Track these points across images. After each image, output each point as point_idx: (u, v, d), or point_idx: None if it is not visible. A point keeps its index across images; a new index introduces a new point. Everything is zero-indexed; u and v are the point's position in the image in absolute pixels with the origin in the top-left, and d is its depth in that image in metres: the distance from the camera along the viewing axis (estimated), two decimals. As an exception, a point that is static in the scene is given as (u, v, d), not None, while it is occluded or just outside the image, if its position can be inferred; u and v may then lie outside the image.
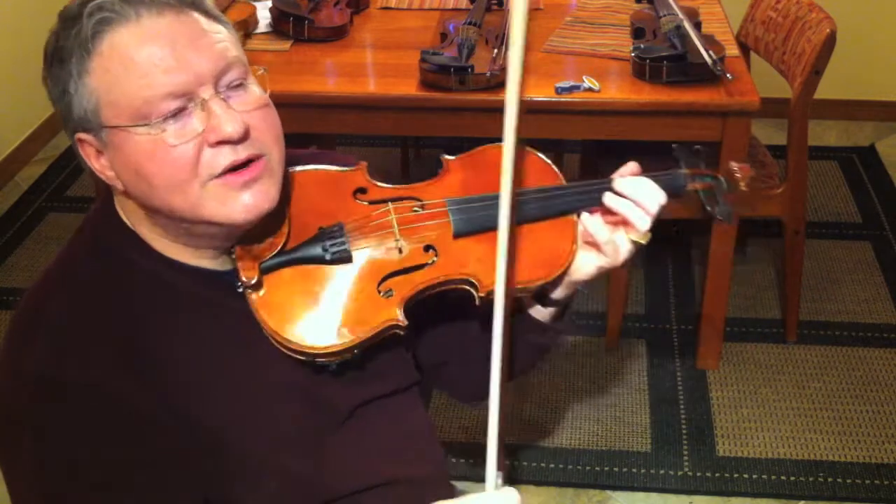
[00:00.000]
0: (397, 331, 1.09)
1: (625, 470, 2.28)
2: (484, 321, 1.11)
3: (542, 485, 2.25)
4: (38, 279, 1.06)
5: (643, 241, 1.16)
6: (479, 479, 2.40)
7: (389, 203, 1.14)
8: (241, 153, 0.98)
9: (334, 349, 1.06)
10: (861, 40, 3.44)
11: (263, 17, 2.52)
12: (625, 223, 1.17)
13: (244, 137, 0.98)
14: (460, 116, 2.22)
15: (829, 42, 2.23)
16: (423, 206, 1.15)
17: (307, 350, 1.05)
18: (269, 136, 1.02)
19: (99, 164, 1.00)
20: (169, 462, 1.02)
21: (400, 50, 2.39)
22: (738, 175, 1.23)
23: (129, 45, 0.94)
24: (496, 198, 1.12)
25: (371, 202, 1.15)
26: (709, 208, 1.21)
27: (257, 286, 1.06)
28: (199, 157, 0.97)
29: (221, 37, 0.99)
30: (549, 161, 1.23)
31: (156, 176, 0.97)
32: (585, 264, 1.18)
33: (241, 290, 1.06)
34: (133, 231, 1.06)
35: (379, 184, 1.17)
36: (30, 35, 3.49)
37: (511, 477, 2.27)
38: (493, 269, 1.10)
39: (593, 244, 1.17)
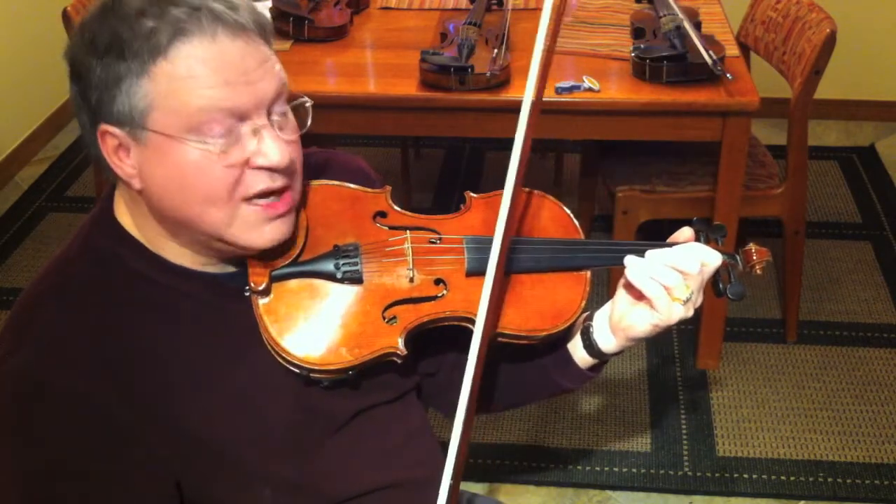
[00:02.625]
0: (395, 358, 1.08)
1: (625, 470, 2.28)
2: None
3: (542, 485, 2.25)
4: (32, 282, 1.06)
5: (685, 297, 1.13)
6: (479, 478, 2.40)
7: (408, 231, 1.15)
8: (278, 181, 1.02)
9: (329, 367, 1.06)
10: (861, 40, 3.44)
11: (263, 17, 2.51)
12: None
13: (288, 168, 1.02)
14: (460, 116, 2.23)
15: (829, 42, 2.23)
16: (440, 240, 1.15)
17: (302, 363, 1.05)
18: (298, 168, 1.06)
19: (118, 159, 0.99)
20: (147, 470, 1.02)
21: (400, 50, 2.39)
22: (755, 257, 1.22)
23: (201, 58, 0.95)
24: (514, 242, 1.15)
25: (390, 227, 1.15)
26: (721, 286, 1.19)
27: (265, 293, 1.07)
28: (240, 178, 0.99)
29: (279, 65, 1.02)
30: (571, 214, 1.23)
31: (195, 188, 0.98)
32: (639, 321, 1.15)
33: (248, 294, 1.07)
34: (131, 235, 1.06)
35: (400, 210, 1.18)
36: (30, 36, 3.50)
37: (511, 477, 2.27)
38: (500, 312, 1.11)
39: (645, 299, 1.14)
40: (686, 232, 1.19)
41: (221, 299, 1.07)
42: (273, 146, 0.99)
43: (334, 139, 3.21)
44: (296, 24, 2.41)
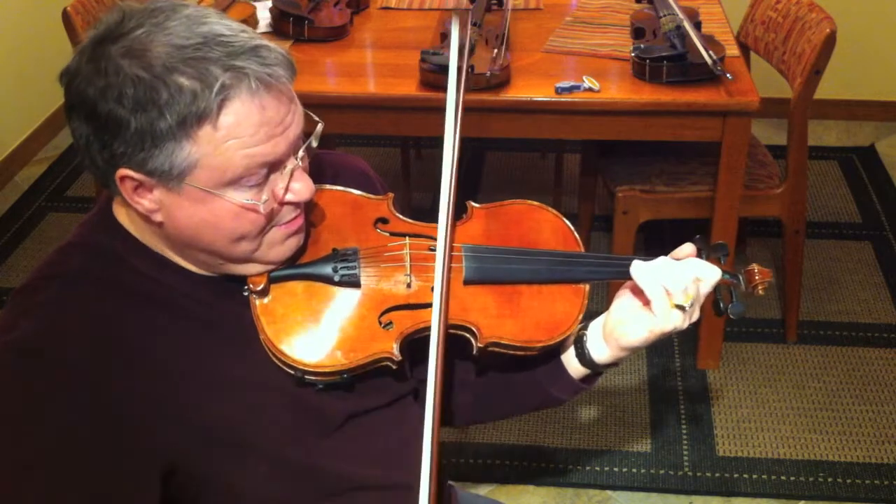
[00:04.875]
0: (389, 364, 1.09)
1: (625, 470, 2.28)
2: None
3: (542, 485, 2.25)
4: (30, 273, 1.06)
5: (685, 304, 1.14)
6: (479, 478, 2.40)
7: (407, 238, 1.15)
8: (300, 206, 1.06)
9: (323, 369, 1.06)
10: (861, 40, 3.44)
11: (263, 17, 2.52)
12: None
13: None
14: (460, 116, 2.22)
15: (829, 42, 2.23)
16: None
17: (297, 365, 1.06)
18: None
19: (137, 196, 0.99)
20: (136, 445, 1.00)
21: (400, 50, 2.39)
22: (757, 278, 1.23)
23: (245, 120, 0.95)
24: (513, 252, 1.16)
25: (391, 234, 1.16)
26: (722, 304, 1.20)
27: (263, 293, 1.07)
28: (272, 213, 1.03)
29: (298, 103, 1.03)
30: (571, 227, 1.23)
31: (231, 230, 1.01)
32: (634, 328, 1.16)
33: (246, 294, 1.07)
34: (130, 234, 1.06)
35: (402, 217, 1.18)
36: (30, 36, 3.50)
37: (511, 477, 2.27)
38: (496, 322, 1.12)
39: (643, 307, 1.16)
40: (687, 248, 1.20)
41: (219, 297, 1.08)
42: (302, 184, 1.03)
43: (334, 139, 3.21)
44: (296, 24, 2.41)
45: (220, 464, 1.07)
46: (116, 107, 0.93)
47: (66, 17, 2.40)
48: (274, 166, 1.00)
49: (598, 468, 2.28)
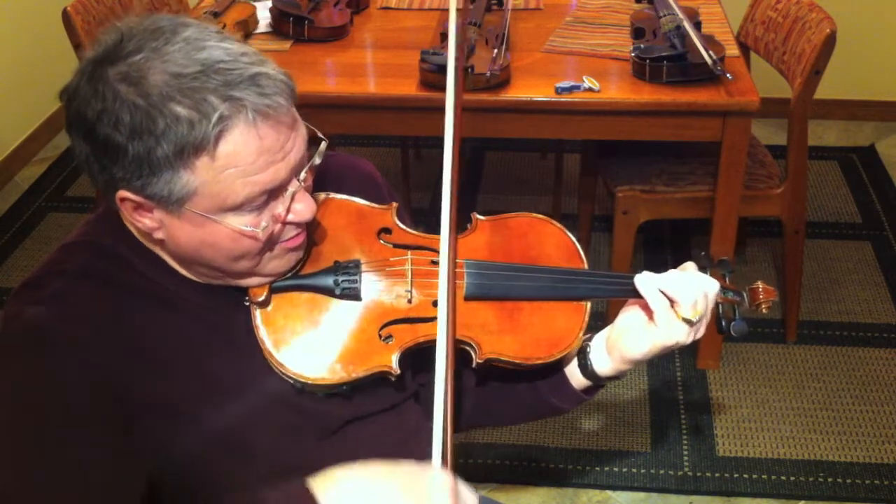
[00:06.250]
0: (388, 376, 1.09)
1: (625, 470, 2.28)
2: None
3: (542, 485, 2.25)
4: (32, 271, 1.06)
5: (693, 319, 1.14)
6: (479, 478, 2.40)
7: (409, 251, 1.14)
8: (302, 225, 1.06)
9: (322, 382, 1.07)
10: (861, 40, 3.44)
11: (263, 17, 2.52)
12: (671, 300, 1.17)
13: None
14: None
15: (829, 42, 2.23)
16: None
17: (296, 377, 1.06)
18: None
19: (138, 216, 1.00)
20: (133, 449, 1.01)
21: (400, 50, 2.39)
22: (762, 297, 1.23)
23: (243, 149, 0.94)
24: (515, 269, 1.16)
25: (394, 245, 1.15)
26: (724, 322, 1.21)
27: (264, 304, 1.08)
28: (272, 234, 1.02)
29: (301, 124, 1.02)
30: (576, 242, 1.23)
31: (233, 251, 1.01)
32: (638, 340, 1.17)
33: (247, 304, 1.08)
34: (134, 237, 1.07)
35: (405, 228, 1.17)
36: (30, 36, 3.50)
37: (511, 477, 2.27)
38: (496, 338, 1.12)
39: (648, 319, 1.16)
40: (690, 265, 1.21)
41: (221, 303, 1.08)
42: (303, 205, 1.03)
43: (334, 139, 3.21)
44: (296, 24, 2.41)
45: (218, 465, 1.07)
46: (113, 132, 0.93)
47: (66, 17, 2.39)
48: (275, 192, 1.00)
49: (598, 468, 2.28)
